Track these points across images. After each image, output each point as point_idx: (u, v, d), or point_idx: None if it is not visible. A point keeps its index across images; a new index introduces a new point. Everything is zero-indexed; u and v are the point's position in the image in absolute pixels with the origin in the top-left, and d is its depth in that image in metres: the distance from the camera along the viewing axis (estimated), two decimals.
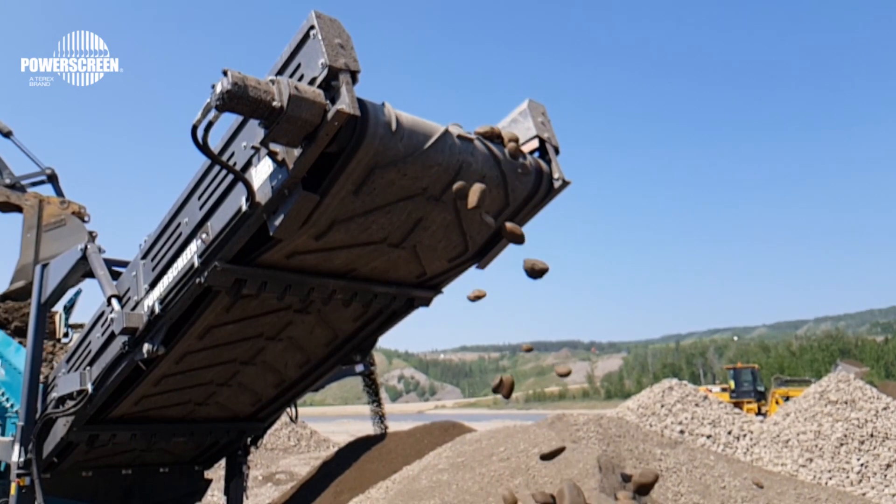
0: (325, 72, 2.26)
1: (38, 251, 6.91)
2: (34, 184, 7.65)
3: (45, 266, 4.28)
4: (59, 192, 7.67)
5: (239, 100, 2.14)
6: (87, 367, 3.80)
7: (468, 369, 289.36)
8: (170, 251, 3.18)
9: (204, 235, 2.89)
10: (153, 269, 3.30)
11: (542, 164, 3.16)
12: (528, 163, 3.05)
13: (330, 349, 4.01)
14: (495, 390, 3.35)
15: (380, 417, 16.03)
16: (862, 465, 13.13)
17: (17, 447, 4.06)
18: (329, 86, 2.29)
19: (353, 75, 2.30)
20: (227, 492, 5.03)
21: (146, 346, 3.27)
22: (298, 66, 2.39)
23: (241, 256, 2.93)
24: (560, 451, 3.87)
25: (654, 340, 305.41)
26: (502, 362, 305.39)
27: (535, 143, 3.19)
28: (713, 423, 15.53)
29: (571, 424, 11.34)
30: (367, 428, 16.69)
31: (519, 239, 2.93)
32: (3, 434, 4.71)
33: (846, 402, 14.45)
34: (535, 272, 2.93)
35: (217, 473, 5.33)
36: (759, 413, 24.44)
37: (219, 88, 2.13)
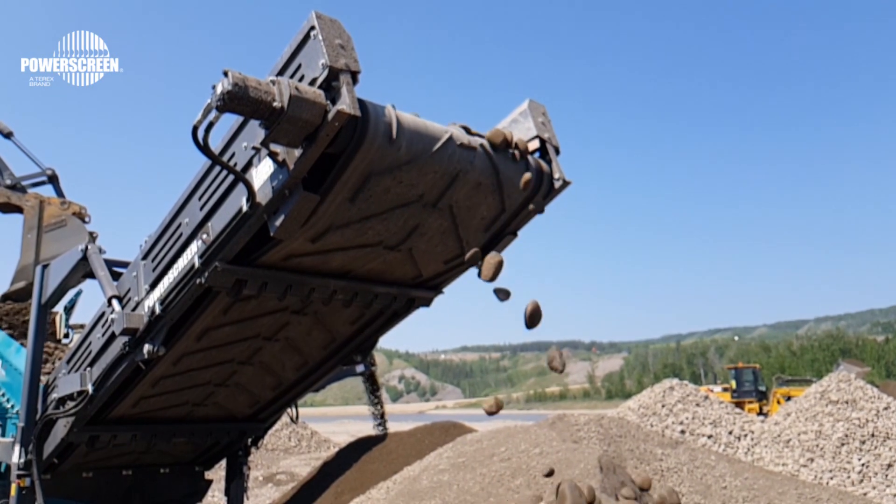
0: (326, 72, 2.26)
1: (38, 252, 6.92)
2: (35, 184, 7.66)
3: (45, 267, 4.28)
4: (59, 193, 7.68)
5: (239, 100, 2.14)
6: (88, 368, 3.81)
7: (469, 369, 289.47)
8: (170, 252, 3.18)
9: (204, 236, 2.89)
10: (154, 270, 3.30)
11: (543, 164, 3.16)
12: (527, 178, 3.04)
13: (327, 352, 4.02)
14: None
15: (380, 418, 16.02)
16: (863, 464, 13.13)
17: (17, 448, 4.06)
18: (329, 86, 2.29)
19: (354, 76, 2.30)
20: (227, 492, 5.03)
21: (147, 347, 3.27)
22: (299, 66, 2.39)
23: (241, 257, 2.93)
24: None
25: (654, 340, 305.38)
26: (503, 362, 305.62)
27: (535, 144, 3.19)
28: (714, 424, 15.53)
29: (572, 424, 11.33)
30: (368, 428, 16.69)
31: (491, 275, 2.92)
32: (3, 435, 4.71)
33: (847, 402, 14.45)
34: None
35: (217, 474, 5.33)
36: (760, 413, 24.44)
37: (219, 89, 2.13)
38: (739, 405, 23.19)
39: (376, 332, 3.93)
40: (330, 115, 2.26)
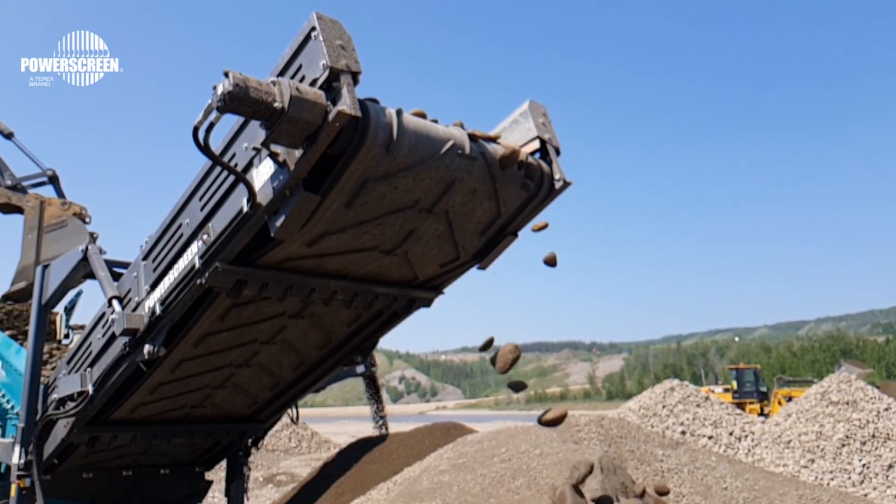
0: (327, 73, 2.26)
1: (39, 252, 6.93)
2: (35, 185, 7.67)
3: (46, 267, 4.28)
4: (60, 194, 7.69)
5: (240, 101, 2.14)
6: (88, 369, 3.80)
7: (469, 370, 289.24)
8: (171, 252, 3.18)
9: (205, 236, 2.88)
10: (154, 271, 3.30)
11: (543, 165, 3.16)
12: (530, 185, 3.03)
13: (324, 352, 4.02)
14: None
15: (381, 418, 16.02)
16: (864, 465, 13.12)
17: (17, 449, 4.06)
18: (330, 87, 2.29)
19: (355, 76, 2.30)
20: (227, 493, 5.03)
21: (147, 348, 3.27)
22: (300, 67, 2.39)
23: (242, 258, 2.93)
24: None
25: (655, 341, 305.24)
26: None
27: (535, 144, 3.19)
28: (715, 424, 15.53)
29: (573, 425, 11.32)
30: (368, 429, 16.69)
31: (505, 368, 3.14)
32: (3, 435, 4.71)
33: (847, 403, 14.44)
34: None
35: (218, 475, 5.33)
36: (761, 414, 24.44)
37: (220, 90, 2.13)
38: (741, 406, 23.22)
39: (376, 333, 3.93)
40: (330, 116, 2.25)
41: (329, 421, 58.89)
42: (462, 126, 2.90)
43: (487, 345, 3.38)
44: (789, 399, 21.85)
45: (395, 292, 3.51)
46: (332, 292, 3.26)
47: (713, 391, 25.02)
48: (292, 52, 2.42)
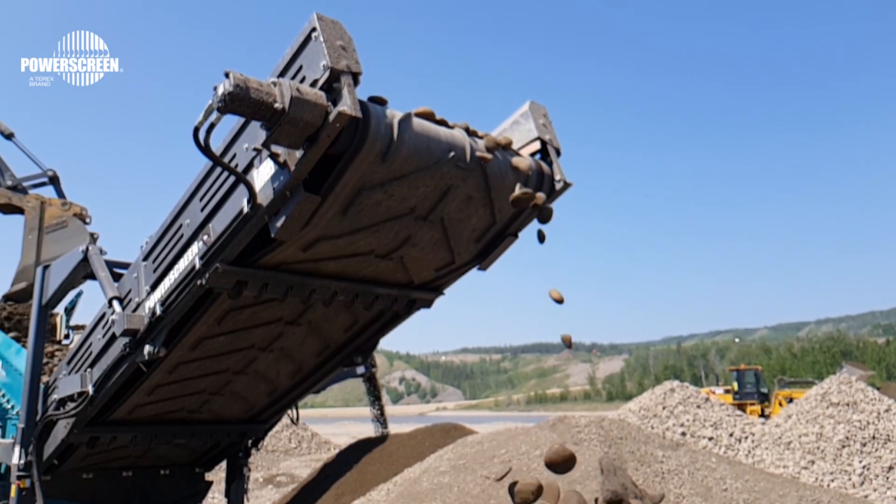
0: (327, 74, 2.26)
1: (39, 253, 6.93)
2: (36, 185, 7.67)
3: (46, 268, 4.28)
4: (60, 194, 7.68)
5: (241, 101, 2.14)
6: (88, 369, 3.80)
7: (469, 371, 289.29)
8: (171, 253, 3.18)
9: (205, 237, 2.88)
10: (154, 271, 3.30)
11: (544, 165, 3.16)
12: (518, 195, 3.02)
13: (321, 358, 4.03)
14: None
15: (381, 419, 16.02)
16: (864, 467, 13.12)
17: (17, 449, 4.06)
18: (331, 88, 2.29)
19: (355, 77, 2.30)
20: (227, 494, 5.02)
21: (147, 348, 3.27)
22: (300, 68, 2.39)
23: (242, 258, 2.93)
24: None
25: (655, 342, 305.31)
26: (503, 364, 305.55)
27: (536, 145, 3.19)
28: (715, 425, 15.52)
29: (573, 426, 11.33)
30: (368, 430, 16.68)
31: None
32: (3, 436, 4.71)
33: (848, 405, 14.44)
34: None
35: (218, 475, 5.33)
36: (762, 415, 24.42)
37: (220, 90, 2.13)
38: (741, 407, 23.22)
39: (377, 334, 3.93)
40: (331, 117, 2.25)
41: (329, 422, 58.91)
42: (468, 128, 2.89)
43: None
44: (790, 400, 21.85)
45: (395, 293, 3.51)
46: (333, 293, 3.26)
47: (714, 392, 25.00)
48: (293, 53, 2.42)
